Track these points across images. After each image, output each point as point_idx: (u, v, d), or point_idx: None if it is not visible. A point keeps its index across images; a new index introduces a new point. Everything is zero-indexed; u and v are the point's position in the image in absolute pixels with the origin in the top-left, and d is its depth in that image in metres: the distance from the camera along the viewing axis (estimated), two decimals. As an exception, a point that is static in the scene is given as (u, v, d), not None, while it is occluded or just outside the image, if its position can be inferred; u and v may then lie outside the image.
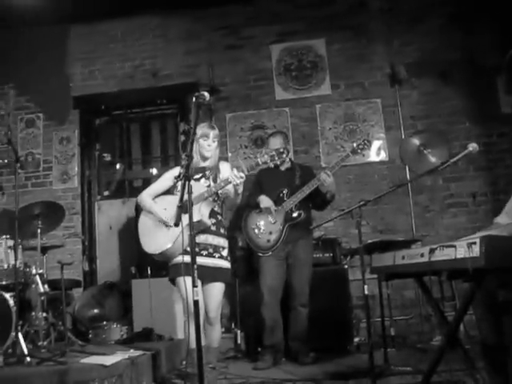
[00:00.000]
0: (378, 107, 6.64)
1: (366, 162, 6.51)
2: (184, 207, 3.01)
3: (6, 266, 4.96)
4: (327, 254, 5.60)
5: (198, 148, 3.99)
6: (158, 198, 4.09)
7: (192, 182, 3.86)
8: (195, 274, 2.79)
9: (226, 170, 4.02)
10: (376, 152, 6.54)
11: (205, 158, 4.03)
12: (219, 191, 3.82)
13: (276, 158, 3.59)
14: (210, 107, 6.63)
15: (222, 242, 3.99)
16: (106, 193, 7.39)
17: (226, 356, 5.42)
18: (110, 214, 7.16)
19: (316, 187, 4.84)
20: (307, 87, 6.82)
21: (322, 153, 6.61)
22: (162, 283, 5.30)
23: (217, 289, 3.90)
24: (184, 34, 7.12)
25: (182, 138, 6.85)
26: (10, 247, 5.02)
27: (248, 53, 6.98)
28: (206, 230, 3.84)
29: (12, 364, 4.34)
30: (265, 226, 4.94)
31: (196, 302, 2.80)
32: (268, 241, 4.91)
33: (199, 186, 3.82)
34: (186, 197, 2.99)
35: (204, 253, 3.84)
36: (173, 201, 3.84)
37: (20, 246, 5.05)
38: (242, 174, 3.58)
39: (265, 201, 4.95)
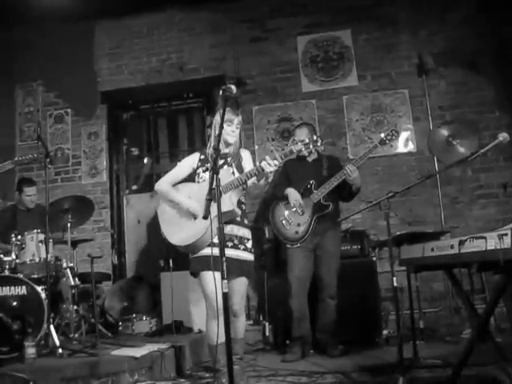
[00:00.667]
0: (405, 98, 6.57)
1: (394, 153, 6.46)
2: (213, 199, 2.97)
3: (37, 260, 5.05)
4: (355, 246, 5.57)
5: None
6: (181, 185, 3.97)
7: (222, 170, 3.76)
8: (224, 267, 2.78)
9: (246, 157, 3.96)
10: (404, 143, 6.48)
11: (227, 144, 3.89)
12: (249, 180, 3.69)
13: (310, 146, 3.47)
14: (237, 100, 6.63)
15: (247, 233, 3.88)
16: (134, 187, 7.47)
17: (254, 348, 5.44)
18: (138, 207, 7.24)
19: (343, 179, 4.82)
20: (334, 79, 6.78)
21: (349, 144, 6.57)
22: (189, 276, 5.36)
23: (241, 282, 3.80)
24: (209, 28, 7.13)
25: (209, 131, 6.86)
26: (41, 241, 5.10)
27: (273, 45, 6.96)
28: (231, 221, 3.76)
29: (45, 355, 4.44)
30: (293, 218, 4.94)
31: (225, 295, 2.79)
32: (296, 232, 4.91)
33: (224, 174, 3.65)
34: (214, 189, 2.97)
35: (229, 244, 3.71)
36: (196, 189, 3.78)
37: (51, 240, 5.13)
38: (276, 162, 3.44)
39: (292, 193, 4.94)
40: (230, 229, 3.74)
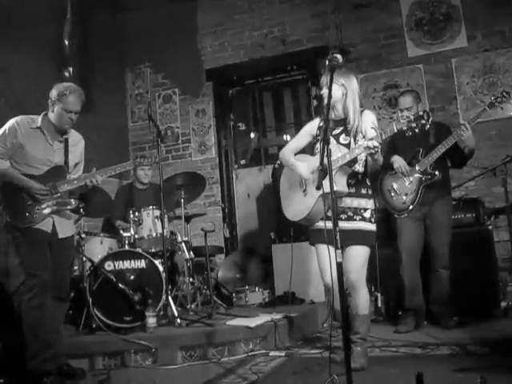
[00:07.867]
0: (520, 56, 6.18)
1: (509, 116, 6.10)
2: (324, 171, 2.91)
3: (154, 235, 5.28)
4: (469, 215, 5.36)
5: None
6: (299, 156, 3.90)
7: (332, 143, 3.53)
8: (337, 237, 2.75)
9: (367, 121, 3.66)
10: (520, 105, 6.11)
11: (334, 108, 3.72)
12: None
13: (413, 125, 3.27)
14: (342, 69, 6.50)
15: (364, 202, 3.68)
16: (243, 161, 7.59)
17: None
18: (247, 181, 7.37)
19: (453, 144, 4.64)
20: (441, 41, 6.48)
21: (460, 109, 6.28)
22: (302, 247, 5.40)
23: (355, 251, 3.65)
24: (310, -3, 7.03)
25: (315, 102, 6.84)
26: (156, 217, 5.33)
27: (376, 10, 6.71)
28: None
29: (164, 325, 4.69)
30: (400, 187, 4.84)
31: (339, 265, 2.76)
32: (403, 202, 4.82)
33: (333, 148, 3.38)
34: (325, 160, 2.89)
35: (343, 217, 3.62)
36: (313, 162, 3.65)
37: (166, 216, 5.34)
38: (376, 143, 3.31)
39: (398, 161, 4.84)
40: (342, 201, 3.64)
